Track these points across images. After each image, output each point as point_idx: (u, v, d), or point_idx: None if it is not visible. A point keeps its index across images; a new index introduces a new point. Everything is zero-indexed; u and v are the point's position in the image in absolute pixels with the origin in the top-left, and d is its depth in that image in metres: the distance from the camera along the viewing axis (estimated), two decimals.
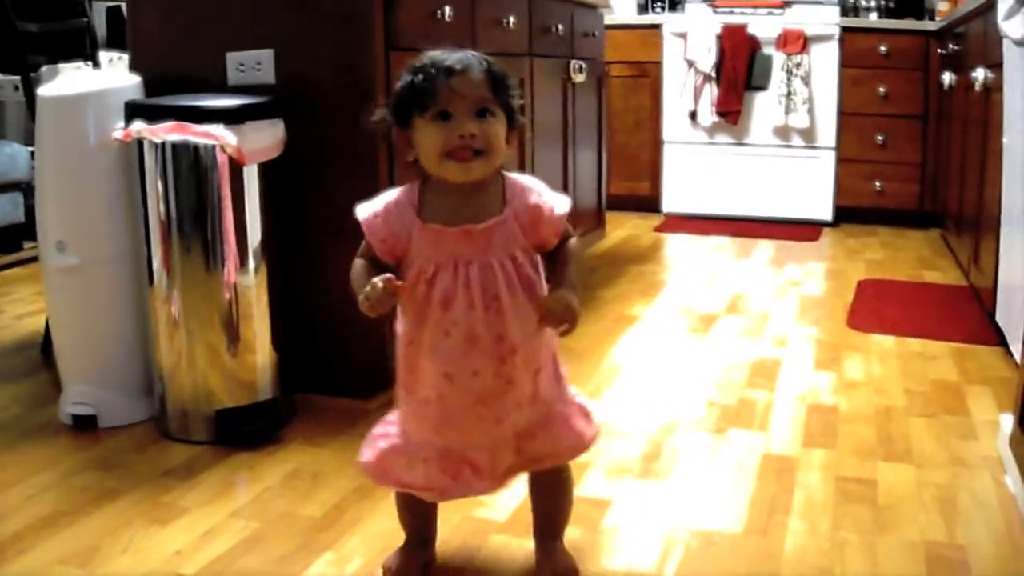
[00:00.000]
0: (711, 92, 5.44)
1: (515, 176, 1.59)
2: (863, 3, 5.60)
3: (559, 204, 1.58)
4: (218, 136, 2.21)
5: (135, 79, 2.52)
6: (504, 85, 1.53)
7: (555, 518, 1.74)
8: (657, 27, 5.61)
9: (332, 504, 2.02)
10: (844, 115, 5.32)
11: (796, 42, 5.23)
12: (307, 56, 2.48)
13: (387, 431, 1.66)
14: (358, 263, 1.58)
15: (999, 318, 3.05)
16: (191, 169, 2.24)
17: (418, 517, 1.74)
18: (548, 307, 1.53)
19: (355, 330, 2.51)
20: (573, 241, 1.63)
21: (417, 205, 1.54)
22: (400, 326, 1.59)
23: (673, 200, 5.70)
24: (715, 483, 2.14)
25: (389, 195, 1.58)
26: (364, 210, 1.57)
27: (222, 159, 2.24)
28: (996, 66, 3.10)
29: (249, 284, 2.33)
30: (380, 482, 1.69)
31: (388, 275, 1.46)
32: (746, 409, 2.58)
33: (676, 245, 4.98)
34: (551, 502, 1.73)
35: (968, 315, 3.46)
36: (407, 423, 1.63)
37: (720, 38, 5.35)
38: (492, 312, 1.52)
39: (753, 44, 5.35)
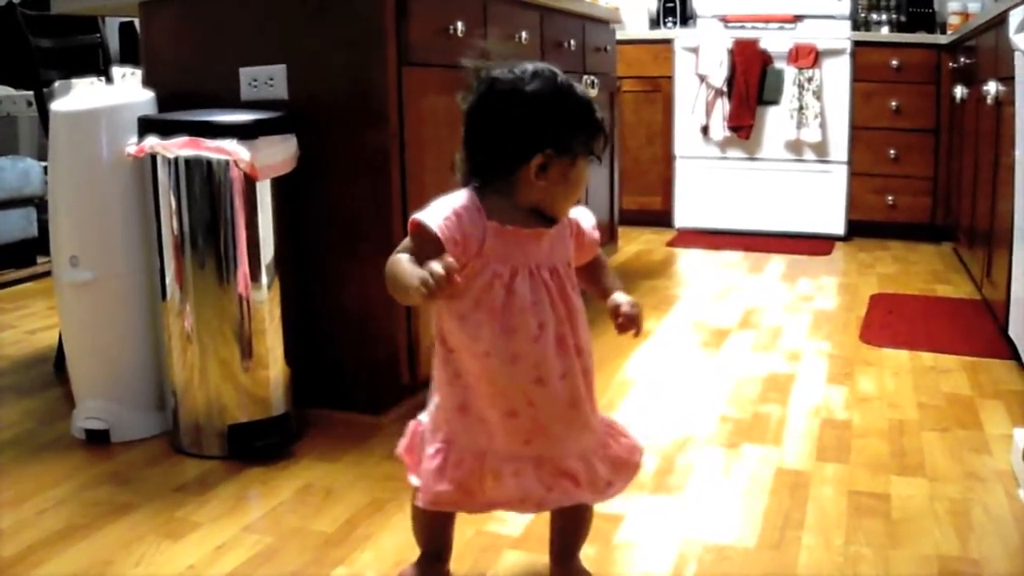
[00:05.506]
0: (723, 107, 5.44)
1: None
2: (874, 17, 5.61)
3: (589, 217, 1.64)
4: (231, 151, 2.22)
5: (148, 94, 2.53)
6: None
7: (575, 536, 1.71)
8: (669, 42, 5.62)
9: (345, 519, 2.02)
10: (856, 129, 5.33)
11: (808, 56, 5.24)
12: (320, 71, 2.49)
13: (450, 457, 1.54)
14: (401, 256, 1.48)
15: (1012, 332, 3.04)
16: (204, 184, 2.25)
17: (436, 532, 1.71)
18: (626, 311, 1.57)
19: (368, 344, 2.52)
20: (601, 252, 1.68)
21: (484, 210, 1.49)
22: (458, 338, 1.51)
23: (685, 215, 5.71)
24: (728, 498, 2.14)
25: (453, 200, 1.50)
26: (434, 216, 1.47)
27: (235, 174, 2.24)
28: (1008, 79, 3.10)
29: (262, 299, 2.33)
30: (465, 508, 1.60)
31: (448, 259, 1.37)
32: (759, 424, 2.58)
33: (688, 260, 4.98)
34: (574, 521, 1.69)
35: (981, 329, 3.45)
36: (479, 439, 1.53)
37: (732, 53, 5.36)
38: (566, 313, 1.53)
39: (765, 59, 5.35)
